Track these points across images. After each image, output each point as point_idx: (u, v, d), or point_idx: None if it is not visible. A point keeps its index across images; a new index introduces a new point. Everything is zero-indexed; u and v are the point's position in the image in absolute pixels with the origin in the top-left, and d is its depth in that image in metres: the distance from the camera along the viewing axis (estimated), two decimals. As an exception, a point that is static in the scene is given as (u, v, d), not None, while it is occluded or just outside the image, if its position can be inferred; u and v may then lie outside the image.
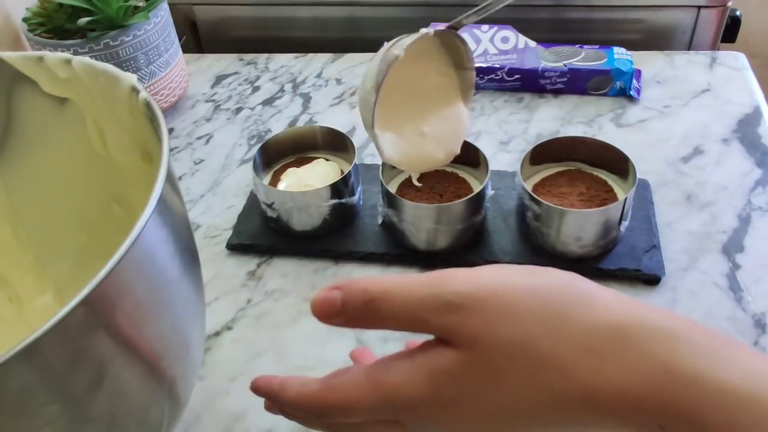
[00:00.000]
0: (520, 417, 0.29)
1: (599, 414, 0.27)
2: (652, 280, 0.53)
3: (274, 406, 0.35)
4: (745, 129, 0.67)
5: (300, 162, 0.62)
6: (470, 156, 0.59)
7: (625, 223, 0.54)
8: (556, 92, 0.74)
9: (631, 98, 0.72)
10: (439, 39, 0.49)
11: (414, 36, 0.46)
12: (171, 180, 0.32)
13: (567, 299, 0.28)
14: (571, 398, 0.27)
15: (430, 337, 0.30)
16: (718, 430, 0.25)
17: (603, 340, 0.27)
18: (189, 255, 0.36)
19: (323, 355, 0.50)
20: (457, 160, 0.60)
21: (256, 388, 0.35)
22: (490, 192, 0.56)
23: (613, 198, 0.55)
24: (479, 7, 0.47)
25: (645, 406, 0.26)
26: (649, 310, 0.28)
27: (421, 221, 0.54)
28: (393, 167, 0.60)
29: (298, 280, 0.56)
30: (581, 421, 0.28)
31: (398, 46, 0.46)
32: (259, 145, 0.61)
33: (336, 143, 0.62)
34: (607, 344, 0.27)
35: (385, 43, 0.48)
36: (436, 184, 0.58)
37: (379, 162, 0.58)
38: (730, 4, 0.82)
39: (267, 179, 0.61)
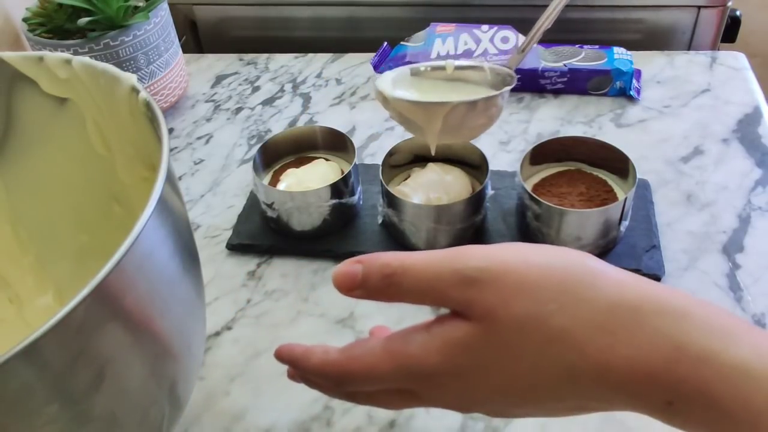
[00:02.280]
0: (531, 390, 0.29)
1: (610, 389, 0.28)
2: (652, 279, 0.53)
3: (297, 374, 0.36)
4: (745, 129, 0.67)
5: (300, 162, 0.62)
6: (470, 156, 0.59)
7: (625, 223, 0.54)
8: (556, 92, 0.74)
9: (631, 98, 0.72)
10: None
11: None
12: (171, 180, 0.32)
13: (580, 277, 0.29)
14: (583, 373, 0.28)
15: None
16: (730, 407, 0.26)
17: (615, 318, 0.28)
18: (189, 255, 0.36)
19: (323, 355, 0.50)
20: (458, 160, 0.60)
21: (280, 356, 0.35)
22: (490, 192, 0.56)
23: (613, 198, 0.55)
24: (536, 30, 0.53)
25: (655, 382, 0.27)
26: (661, 288, 0.29)
27: (421, 221, 0.54)
28: (393, 167, 0.60)
29: (298, 280, 0.56)
30: (592, 396, 0.28)
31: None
32: (259, 145, 0.61)
33: (336, 143, 0.62)
34: (620, 322, 0.28)
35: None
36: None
37: (380, 162, 0.58)
38: (730, 4, 0.82)
39: (267, 179, 0.61)
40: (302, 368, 0.34)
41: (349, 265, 0.32)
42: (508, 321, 0.28)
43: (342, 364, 0.32)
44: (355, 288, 0.32)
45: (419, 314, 0.52)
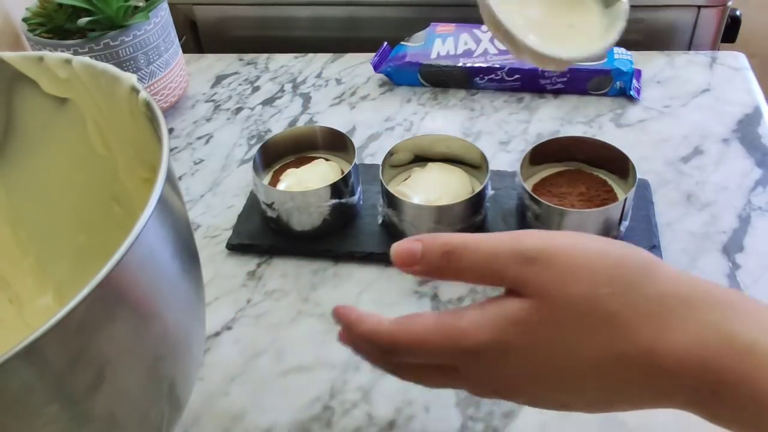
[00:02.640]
0: (576, 371, 0.30)
1: (653, 377, 0.28)
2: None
3: (347, 338, 0.36)
4: (745, 129, 0.67)
5: (300, 162, 0.62)
6: (470, 156, 0.59)
7: (625, 223, 0.54)
8: (556, 92, 0.74)
9: (631, 98, 0.72)
10: None
11: None
12: (171, 180, 0.32)
13: (635, 266, 0.29)
14: (629, 358, 0.28)
15: None
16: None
17: (666, 307, 0.28)
18: (189, 255, 0.36)
19: (323, 355, 0.50)
20: (458, 160, 0.60)
21: (337, 315, 0.36)
22: (490, 192, 0.56)
23: (613, 198, 0.55)
24: None
25: (701, 371, 0.27)
26: (709, 283, 0.30)
27: (421, 221, 0.54)
28: (393, 167, 0.60)
29: (298, 280, 0.56)
30: (635, 382, 0.29)
31: None
32: (259, 145, 0.61)
33: (336, 143, 0.62)
34: (670, 311, 0.28)
35: None
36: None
37: (380, 162, 0.58)
38: (730, 3, 0.82)
39: (267, 179, 0.61)
40: (353, 333, 0.35)
41: (409, 242, 0.33)
42: (562, 300, 0.29)
43: (392, 333, 0.33)
44: (413, 264, 0.33)
45: (419, 314, 0.52)
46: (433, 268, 0.32)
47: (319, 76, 0.81)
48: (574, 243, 0.30)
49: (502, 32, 0.45)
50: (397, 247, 0.33)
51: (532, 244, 0.30)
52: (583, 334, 0.29)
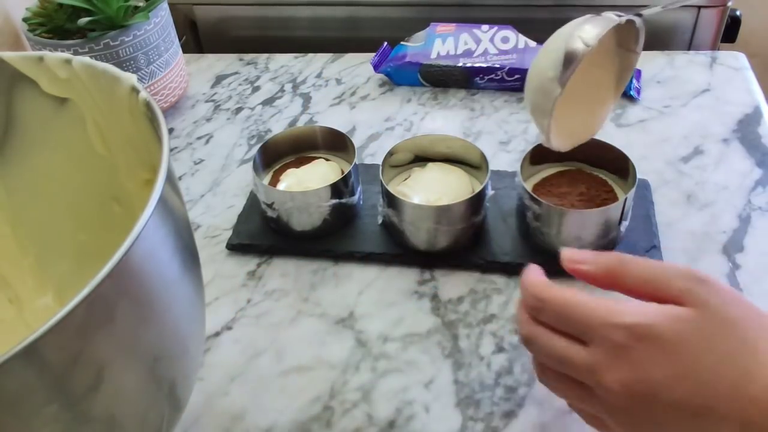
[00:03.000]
0: (705, 387, 0.32)
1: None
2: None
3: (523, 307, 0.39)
4: (745, 129, 0.67)
5: (300, 162, 0.62)
6: (470, 156, 0.59)
7: (625, 223, 0.54)
8: (556, 92, 0.74)
9: (631, 98, 0.72)
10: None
11: (604, 25, 0.45)
12: (171, 180, 0.32)
13: None
14: (753, 380, 0.31)
15: None
16: None
17: None
18: (189, 255, 0.36)
19: (323, 355, 0.50)
20: (458, 160, 0.60)
21: (525, 275, 0.39)
22: (490, 192, 0.56)
23: (613, 198, 0.55)
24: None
25: None
26: None
27: (421, 221, 0.54)
28: (393, 167, 0.60)
29: (298, 280, 0.56)
30: (754, 409, 0.31)
31: (588, 37, 0.45)
32: (259, 145, 0.61)
33: (336, 143, 0.62)
34: None
35: (565, 26, 0.47)
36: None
37: (380, 162, 0.58)
38: (730, 4, 0.82)
39: (267, 179, 0.61)
40: (525, 282, 0.38)
41: (582, 251, 0.38)
42: (717, 314, 0.33)
43: (550, 286, 0.36)
44: (584, 262, 0.37)
45: (419, 314, 0.52)
46: (601, 271, 0.36)
47: (319, 76, 0.81)
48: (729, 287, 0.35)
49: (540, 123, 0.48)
50: (568, 249, 0.38)
51: (704, 271, 0.35)
52: (721, 346, 0.32)
